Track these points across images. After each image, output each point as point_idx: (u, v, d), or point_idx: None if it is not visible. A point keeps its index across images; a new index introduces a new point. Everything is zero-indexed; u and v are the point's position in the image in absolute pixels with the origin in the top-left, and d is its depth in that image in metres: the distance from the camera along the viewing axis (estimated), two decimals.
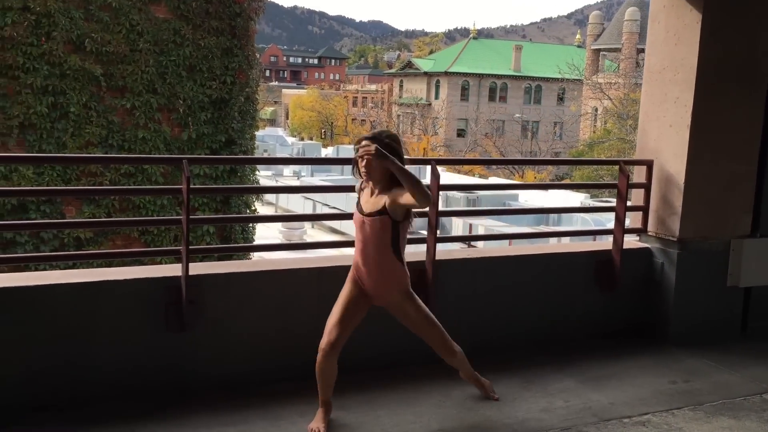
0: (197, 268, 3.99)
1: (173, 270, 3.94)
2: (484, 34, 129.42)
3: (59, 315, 3.59)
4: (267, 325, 4.05)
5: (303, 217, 25.97)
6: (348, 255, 4.70)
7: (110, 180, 9.09)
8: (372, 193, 3.46)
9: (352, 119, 69.28)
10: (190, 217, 3.89)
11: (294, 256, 5.34)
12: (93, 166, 8.96)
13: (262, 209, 13.29)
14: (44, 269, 7.34)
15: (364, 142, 3.33)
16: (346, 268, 4.24)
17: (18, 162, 8.24)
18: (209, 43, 9.49)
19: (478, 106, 59.87)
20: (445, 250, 4.67)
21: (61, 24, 8.69)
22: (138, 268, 4.28)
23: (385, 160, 3.18)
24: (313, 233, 20.84)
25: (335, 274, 4.16)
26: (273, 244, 8.32)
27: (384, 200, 3.37)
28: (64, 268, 7.02)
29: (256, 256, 10.18)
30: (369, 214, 3.43)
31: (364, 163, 3.36)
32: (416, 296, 3.65)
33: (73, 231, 8.85)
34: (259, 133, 19.68)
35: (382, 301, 3.61)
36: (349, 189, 4.05)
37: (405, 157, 3.39)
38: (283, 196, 25.95)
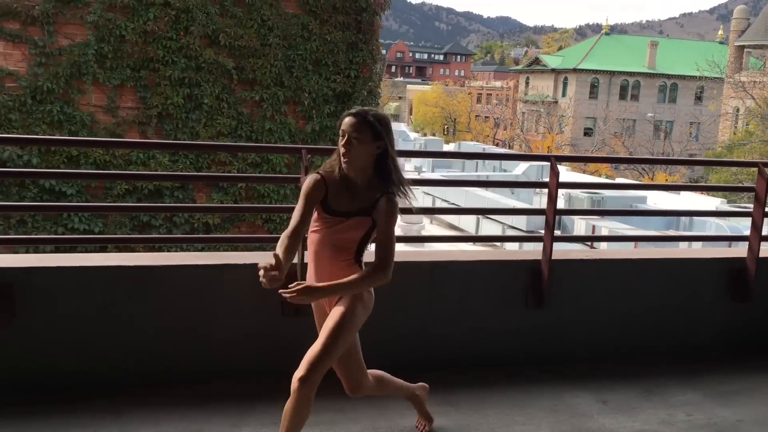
0: None
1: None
2: (617, 29, 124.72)
3: (187, 293, 3.77)
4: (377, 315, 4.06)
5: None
6: (456, 251, 4.66)
7: (237, 169, 9.48)
8: (346, 188, 2.80)
9: (476, 116, 68.71)
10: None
11: (409, 249, 5.34)
12: (222, 156, 9.39)
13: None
14: (175, 251, 7.80)
15: (346, 119, 2.75)
16: (459, 264, 4.21)
17: (153, 148, 8.77)
18: (335, 37, 9.68)
19: (608, 104, 57.73)
20: (563, 250, 4.51)
21: (198, 19, 9.13)
22: (262, 254, 4.42)
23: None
24: (431, 228, 20.86)
25: (447, 270, 4.14)
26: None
27: (375, 197, 2.76)
28: (193, 251, 7.44)
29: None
30: (346, 214, 2.77)
31: (343, 141, 2.74)
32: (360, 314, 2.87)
33: (202, 216, 9.29)
34: None
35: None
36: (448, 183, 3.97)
37: (395, 146, 2.80)
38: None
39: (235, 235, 9.09)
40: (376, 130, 2.72)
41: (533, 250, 4.41)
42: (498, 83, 76.06)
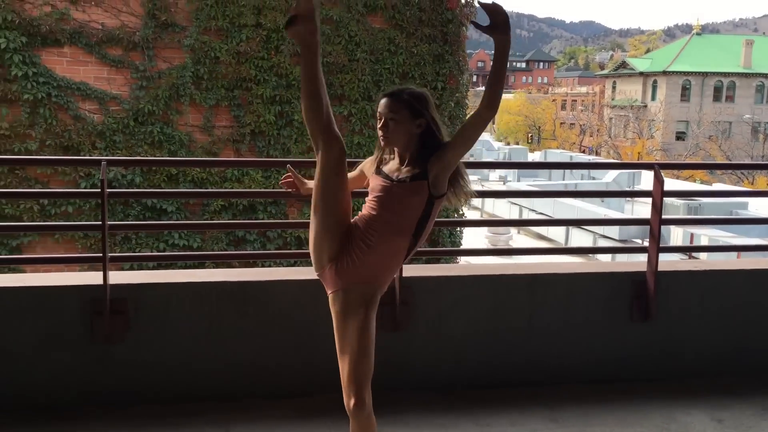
0: (409, 270, 4.07)
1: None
2: (708, 29, 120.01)
3: (285, 308, 3.84)
4: (477, 329, 4.03)
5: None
6: (556, 263, 4.56)
7: None
8: (398, 165, 2.68)
9: (561, 123, 67.42)
10: None
11: (500, 261, 5.27)
12: (313, 171, 9.54)
13: (469, 213, 13.34)
14: (269, 265, 7.97)
15: (381, 101, 2.64)
16: (560, 277, 4.12)
17: (247, 166, 9.05)
18: (421, 50, 9.72)
19: (701, 107, 55.49)
20: (668, 261, 4.35)
21: (288, 38, 9.35)
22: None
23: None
24: (519, 239, 20.56)
25: (547, 282, 4.06)
26: (479, 249, 8.28)
27: (418, 168, 2.60)
28: (286, 266, 7.58)
29: (462, 260, 10.26)
30: (400, 181, 2.61)
31: (380, 125, 2.64)
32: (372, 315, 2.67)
33: (294, 230, 9.48)
34: None
35: (335, 286, 2.70)
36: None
37: (439, 122, 2.64)
38: (489, 201, 25.91)
39: None
40: (414, 108, 2.59)
41: (637, 262, 4.26)
42: (583, 89, 74.46)
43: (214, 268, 5.86)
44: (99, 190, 3.60)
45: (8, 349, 3.54)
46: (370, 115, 9.72)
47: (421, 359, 3.97)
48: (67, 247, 8.92)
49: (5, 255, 8.48)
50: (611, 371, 4.11)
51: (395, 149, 2.67)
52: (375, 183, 2.71)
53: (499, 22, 2.44)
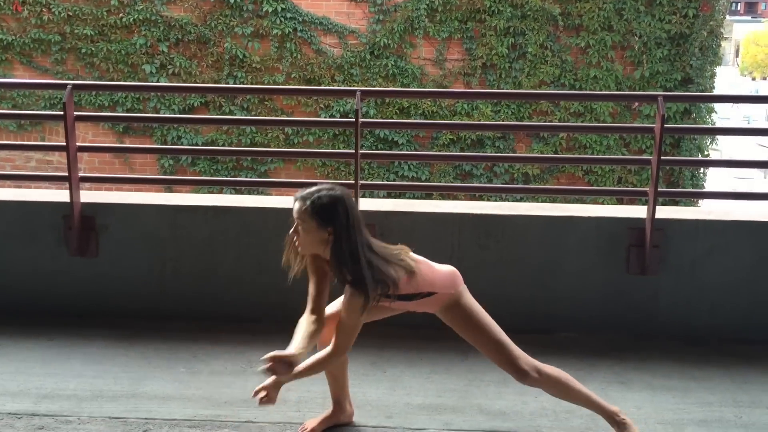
0: (662, 212, 3.82)
1: (638, 212, 3.84)
2: None
3: (533, 243, 3.81)
4: (736, 279, 3.71)
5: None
6: None
7: (559, 118, 9.29)
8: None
9: None
10: (662, 158, 3.70)
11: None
12: (544, 105, 9.27)
13: (714, 155, 12.26)
14: (495, 200, 7.95)
15: (294, 205, 2.50)
16: None
17: (475, 98, 9.01)
18: None
19: None
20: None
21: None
22: (602, 207, 4.28)
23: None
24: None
25: None
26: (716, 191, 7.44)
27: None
28: (511, 200, 7.51)
29: (705, 204, 9.52)
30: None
31: (292, 229, 2.53)
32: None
33: (522, 166, 9.33)
34: None
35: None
36: None
37: (356, 229, 2.45)
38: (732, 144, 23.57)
39: (553, 186, 8.99)
40: (321, 218, 2.43)
41: None
42: None
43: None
44: (353, 119, 3.74)
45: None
46: (609, 47, 9.16)
47: (671, 307, 3.75)
48: (307, 174, 9.54)
49: (254, 179, 9.30)
50: None
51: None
52: None
53: None
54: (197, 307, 3.91)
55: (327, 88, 9.20)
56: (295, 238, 2.52)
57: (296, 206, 2.47)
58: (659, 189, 3.67)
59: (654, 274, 3.70)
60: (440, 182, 9.30)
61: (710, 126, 9.20)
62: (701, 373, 3.38)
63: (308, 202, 2.44)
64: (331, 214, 2.43)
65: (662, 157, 3.68)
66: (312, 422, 2.89)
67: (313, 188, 2.49)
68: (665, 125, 3.62)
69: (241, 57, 9.36)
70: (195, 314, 3.88)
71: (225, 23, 9.35)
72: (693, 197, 9.18)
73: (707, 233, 3.70)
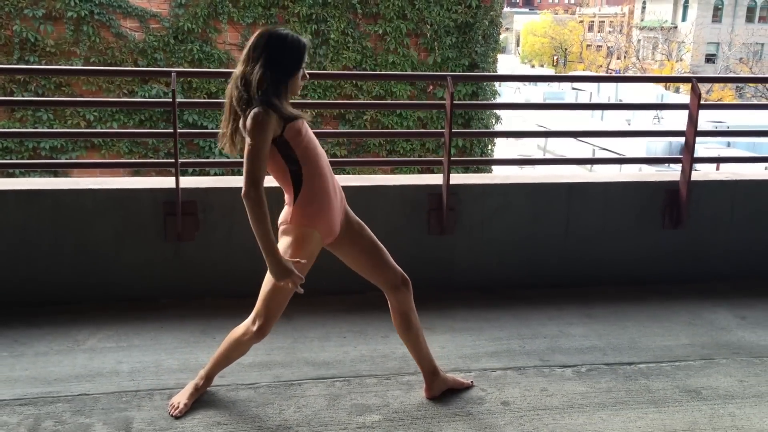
0: (456, 178, 4.34)
1: (436, 179, 4.32)
2: None
3: None
4: (518, 234, 4.32)
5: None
6: (593, 173, 4.81)
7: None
8: None
9: (587, 45, 65.91)
10: (452, 131, 4.20)
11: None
12: (348, 89, 9.72)
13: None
14: None
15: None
16: (596, 186, 4.37)
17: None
18: None
19: (733, 27, 53.93)
20: (701, 172, 4.58)
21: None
22: (405, 176, 4.74)
23: None
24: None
25: (584, 191, 4.32)
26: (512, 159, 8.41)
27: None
28: None
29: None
30: None
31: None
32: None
33: (330, 147, 9.73)
34: None
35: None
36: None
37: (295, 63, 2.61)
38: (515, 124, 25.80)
39: (360, 159, 9.46)
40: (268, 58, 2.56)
41: (671, 172, 4.50)
42: (612, 9, 72.34)
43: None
44: (170, 100, 3.86)
45: (91, 244, 3.90)
46: (405, 34, 9.80)
47: (465, 261, 4.28)
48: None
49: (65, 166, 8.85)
50: (643, 275, 4.40)
51: None
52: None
53: None
54: (16, 292, 3.84)
55: (141, 69, 9.01)
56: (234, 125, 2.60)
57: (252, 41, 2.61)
58: (451, 158, 4.18)
59: (451, 233, 4.20)
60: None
61: (489, 102, 10.21)
62: (492, 315, 3.93)
63: (266, 34, 2.59)
64: (282, 52, 2.55)
65: (453, 130, 4.19)
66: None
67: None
68: (454, 102, 4.13)
69: (32, 40, 8.84)
70: (12, 300, 3.80)
71: (12, 4, 8.77)
72: (479, 164, 9.76)
73: (493, 195, 4.27)
